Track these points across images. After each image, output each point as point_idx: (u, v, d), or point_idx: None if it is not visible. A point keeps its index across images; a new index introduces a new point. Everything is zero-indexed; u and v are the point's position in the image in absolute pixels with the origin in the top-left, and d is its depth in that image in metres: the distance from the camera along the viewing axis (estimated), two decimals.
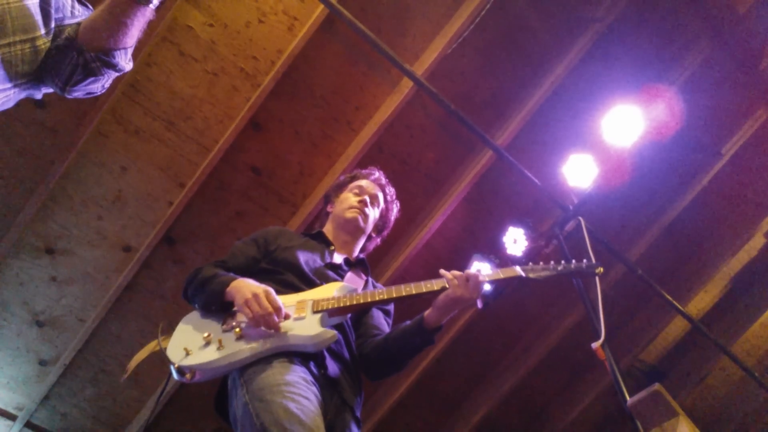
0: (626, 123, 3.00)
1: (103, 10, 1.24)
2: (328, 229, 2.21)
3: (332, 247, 2.11)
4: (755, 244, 4.39)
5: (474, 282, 1.69)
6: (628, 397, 1.94)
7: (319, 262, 1.98)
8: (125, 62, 1.33)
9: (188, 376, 1.56)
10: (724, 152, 3.86)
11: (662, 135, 3.35)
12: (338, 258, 2.07)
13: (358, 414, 1.76)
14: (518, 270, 1.79)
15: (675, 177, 3.93)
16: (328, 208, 2.32)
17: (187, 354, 1.60)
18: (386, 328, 1.98)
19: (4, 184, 3.04)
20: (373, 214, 2.21)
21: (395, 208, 2.36)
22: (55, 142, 2.97)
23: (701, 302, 4.60)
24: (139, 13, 1.23)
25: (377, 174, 2.34)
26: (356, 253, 2.19)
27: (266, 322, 1.63)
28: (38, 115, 2.92)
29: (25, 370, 3.56)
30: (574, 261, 1.90)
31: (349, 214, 2.13)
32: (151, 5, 1.22)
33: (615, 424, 4.73)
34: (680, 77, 3.52)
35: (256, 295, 1.65)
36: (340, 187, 2.33)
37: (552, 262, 1.87)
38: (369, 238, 2.26)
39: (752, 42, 3.43)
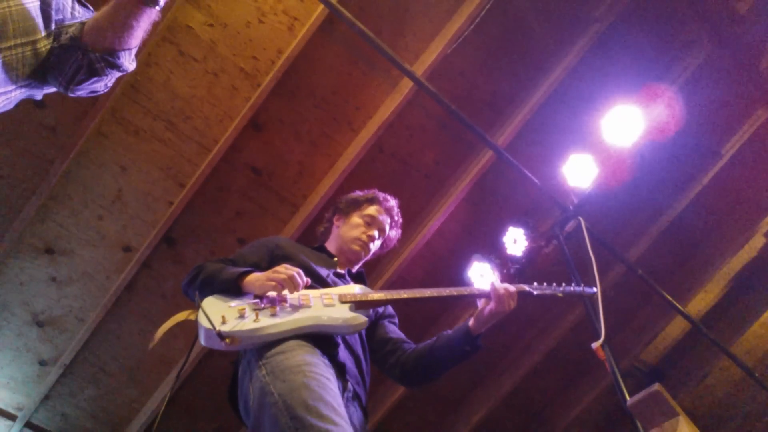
0: (626, 123, 3.00)
1: (108, 11, 1.22)
2: (331, 245, 2.28)
3: (335, 259, 2.18)
4: (755, 244, 4.39)
5: (514, 297, 1.92)
6: (628, 397, 1.93)
7: (326, 270, 2.04)
8: (129, 62, 1.32)
9: (228, 341, 1.55)
10: (724, 152, 3.86)
11: (662, 135, 3.36)
12: (341, 270, 2.15)
13: (365, 405, 1.83)
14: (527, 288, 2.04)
15: (675, 177, 3.92)
16: (335, 220, 2.35)
17: (224, 322, 1.61)
18: (405, 338, 2.07)
19: (4, 184, 3.04)
20: (377, 245, 2.30)
21: (397, 234, 2.41)
22: (55, 142, 2.97)
23: (701, 302, 4.59)
24: (145, 14, 1.22)
25: (391, 203, 2.36)
26: (356, 268, 2.26)
27: (293, 281, 1.71)
28: (38, 115, 2.92)
29: (25, 370, 3.56)
30: (574, 285, 2.17)
31: (355, 247, 2.21)
32: (156, 7, 1.21)
33: (615, 424, 4.73)
34: (680, 77, 3.52)
35: (274, 270, 1.73)
36: (352, 205, 2.33)
37: (554, 284, 2.11)
38: None
39: (752, 42, 3.43)
